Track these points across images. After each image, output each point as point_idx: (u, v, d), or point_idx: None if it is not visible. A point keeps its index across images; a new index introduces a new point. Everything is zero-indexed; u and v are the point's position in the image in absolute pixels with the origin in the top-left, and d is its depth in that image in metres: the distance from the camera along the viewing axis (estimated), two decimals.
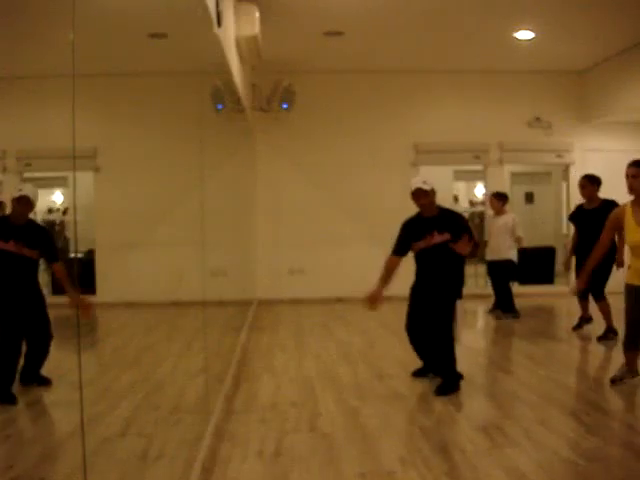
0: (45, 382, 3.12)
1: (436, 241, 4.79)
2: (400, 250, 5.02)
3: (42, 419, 2.87)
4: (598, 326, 6.67)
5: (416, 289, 5.08)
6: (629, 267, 4.75)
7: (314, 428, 4.02)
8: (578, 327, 6.98)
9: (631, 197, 4.72)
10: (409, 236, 4.96)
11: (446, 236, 4.74)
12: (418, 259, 5.00)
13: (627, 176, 4.71)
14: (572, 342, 6.79)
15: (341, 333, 7.31)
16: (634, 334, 4.66)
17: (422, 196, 4.79)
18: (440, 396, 4.62)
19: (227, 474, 3.33)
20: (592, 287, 6.52)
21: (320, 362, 5.85)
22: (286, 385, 5.08)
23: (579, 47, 8.58)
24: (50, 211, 4.06)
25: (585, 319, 6.94)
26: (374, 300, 4.98)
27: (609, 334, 6.39)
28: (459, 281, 4.95)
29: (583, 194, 6.75)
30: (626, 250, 5.46)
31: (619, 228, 4.79)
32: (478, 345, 6.68)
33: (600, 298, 6.49)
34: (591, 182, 6.65)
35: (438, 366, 4.93)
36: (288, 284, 9.74)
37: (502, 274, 8.08)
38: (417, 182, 4.83)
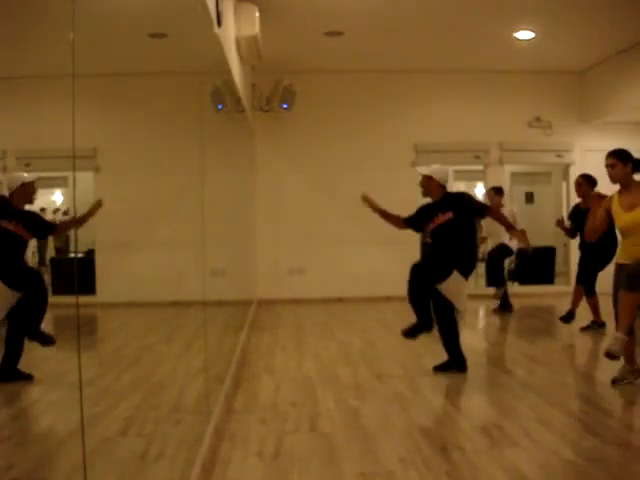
0: (48, 341, 3.15)
1: (440, 221, 5.18)
2: (410, 219, 5.51)
3: (42, 419, 2.87)
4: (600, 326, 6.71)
5: (423, 261, 5.66)
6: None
7: (314, 428, 4.02)
8: (587, 329, 6.87)
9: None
10: (420, 216, 5.43)
11: (448, 215, 5.14)
12: (432, 238, 5.38)
13: (606, 166, 4.77)
14: (572, 342, 6.79)
15: (341, 333, 7.31)
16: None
17: (421, 179, 5.35)
18: (438, 372, 5.09)
19: (227, 474, 3.33)
20: (584, 279, 6.73)
21: (320, 362, 5.85)
22: (286, 385, 5.08)
23: (579, 47, 8.58)
24: (42, 210, 4.07)
25: (597, 323, 6.84)
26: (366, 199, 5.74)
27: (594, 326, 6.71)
28: (469, 260, 5.20)
29: (578, 192, 6.83)
30: None
31: (609, 218, 4.82)
32: (478, 345, 6.68)
33: (590, 293, 6.71)
34: (588, 182, 6.72)
35: (444, 345, 5.22)
36: (288, 284, 9.74)
37: (497, 254, 8.17)
38: (423, 168, 5.41)
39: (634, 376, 4.75)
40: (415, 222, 5.46)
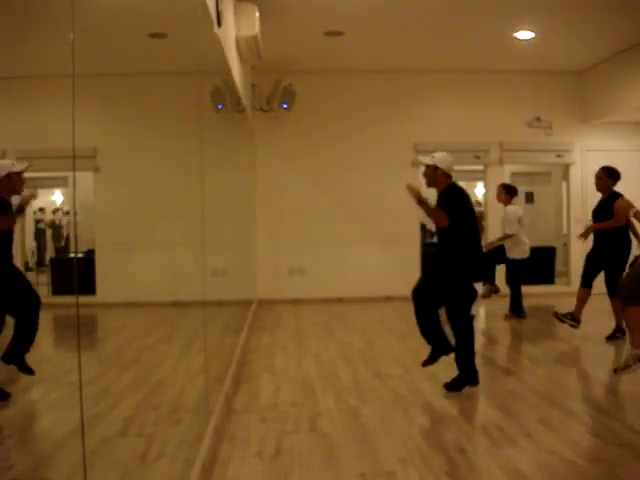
0: (28, 371, 3.06)
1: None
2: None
3: (42, 419, 2.87)
4: (604, 328, 6.67)
5: (432, 260, 5.13)
6: None
7: (314, 428, 4.02)
8: (612, 337, 6.51)
9: None
10: None
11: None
12: (438, 234, 5.02)
13: None
14: (572, 342, 6.79)
15: (341, 333, 7.31)
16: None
17: (424, 170, 4.92)
18: (450, 391, 4.68)
19: (227, 474, 3.33)
20: (607, 283, 6.49)
21: (320, 362, 5.85)
22: (286, 385, 5.08)
23: (579, 47, 8.58)
24: (41, 210, 4.05)
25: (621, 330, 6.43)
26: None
27: (617, 334, 6.37)
28: (466, 263, 4.76)
29: (598, 186, 6.60)
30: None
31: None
32: (478, 345, 6.67)
33: (615, 295, 6.42)
34: (609, 175, 6.49)
35: (456, 358, 4.84)
36: (288, 284, 9.75)
37: (509, 273, 8.00)
38: (425, 157, 4.93)
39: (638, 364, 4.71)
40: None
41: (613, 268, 6.39)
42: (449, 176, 4.86)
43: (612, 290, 6.40)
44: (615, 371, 4.79)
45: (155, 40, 3.23)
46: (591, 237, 6.70)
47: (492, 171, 10.07)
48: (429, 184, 4.95)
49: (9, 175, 2.99)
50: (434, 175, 4.85)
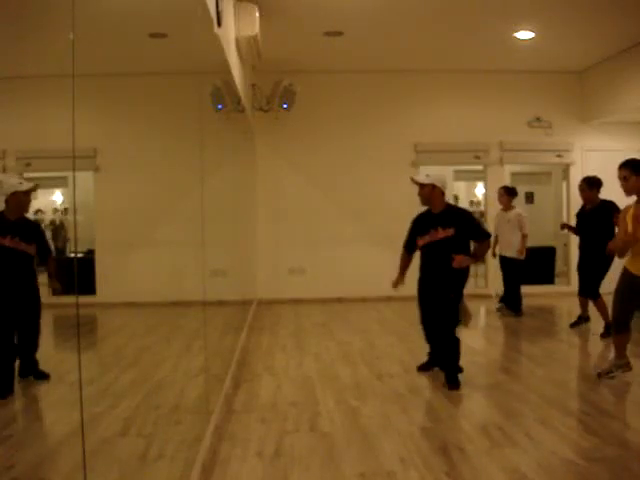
0: (43, 376, 3.06)
1: (440, 236, 4.84)
2: (408, 245, 5.18)
3: (42, 419, 2.87)
4: (597, 325, 6.74)
5: (422, 284, 5.13)
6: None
7: (314, 428, 4.02)
8: (575, 325, 7.11)
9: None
10: (415, 230, 5.06)
11: (450, 232, 4.79)
12: (423, 253, 5.06)
13: (619, 178, 4.75)
14: (572, 342, 6.79)
15: (341, 333, 7.31)
16: (624, 316, 4.77)
17: (419, 188, 4.88)
18: (452, 390, 4.74)
19: (227, 474, 3.33)
20: (588, 286, 6.67)
21: (320, 362, 5.85)
22: (286, 385, 5.08)
23: (579, 47, 8.58)
24: (38, 211, 4.04)
25: (584, 318, 7.07)
26: (395, 284, 5.29)
27: (610, 330, 6.48)
28: (462, 278, 4.93)
29: (582, 197, 6.89)
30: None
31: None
32: (478, 345, 6.68)
33: (595, 297, 6.67)
34: (589, 186, 6.73)
35: (443, 361, 5.00)
36: (288, 284, 9.74)
37: (512, 272, 8.07)
38: (420, 175, 4.97)
39: (621, 369, 4.82)
40: (410, 242, 5.13)
41: (596, 271, 6.60)
42: (444, 195, 4.87)
43: (593, 292, 6.66)
44: (599, 375, 4.90)
45: (155, 40, 3.23)
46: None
47: (492, 171, 10.07)
48: (425, 203, 4.92)
49: (15, 194, 2.95)
50: (432, 194, 4.82)
